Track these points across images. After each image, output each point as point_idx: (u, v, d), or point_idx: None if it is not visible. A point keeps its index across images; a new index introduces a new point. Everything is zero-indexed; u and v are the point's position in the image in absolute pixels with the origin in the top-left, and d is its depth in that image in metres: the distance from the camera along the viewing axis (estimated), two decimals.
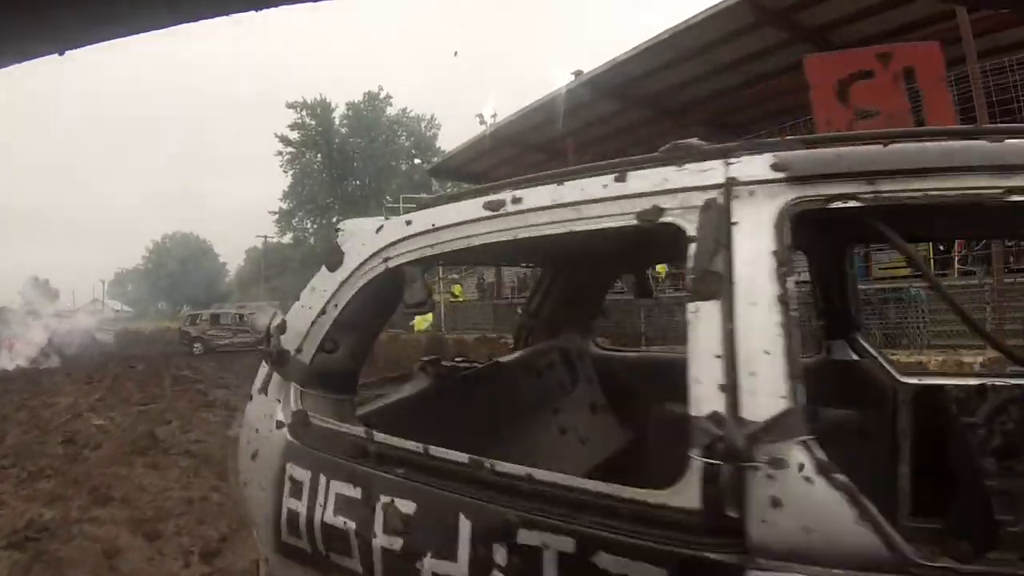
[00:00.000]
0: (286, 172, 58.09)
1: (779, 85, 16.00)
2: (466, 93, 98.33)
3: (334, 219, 53.87)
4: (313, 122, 56.78)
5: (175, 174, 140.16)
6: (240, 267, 75.31)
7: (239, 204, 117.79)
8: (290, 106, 56.29)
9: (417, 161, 56.03)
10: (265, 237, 62.37)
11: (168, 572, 5.14)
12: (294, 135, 56.91)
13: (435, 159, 33.09)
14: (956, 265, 13.19)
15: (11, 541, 5.74)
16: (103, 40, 1.84)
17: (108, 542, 5.70)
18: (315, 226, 58.53)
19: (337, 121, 58.05)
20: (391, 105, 58.58)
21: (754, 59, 16.05)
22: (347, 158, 56.88)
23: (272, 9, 1.84)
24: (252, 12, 1.82)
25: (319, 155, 57.40)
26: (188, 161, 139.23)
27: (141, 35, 1.86)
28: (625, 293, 18.45)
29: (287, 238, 61.65)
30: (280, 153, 57.39)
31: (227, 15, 1.87)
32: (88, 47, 1.86)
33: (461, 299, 25.88)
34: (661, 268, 19.22)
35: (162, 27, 1.83)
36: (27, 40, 1.73)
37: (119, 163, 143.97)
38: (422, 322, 19.27)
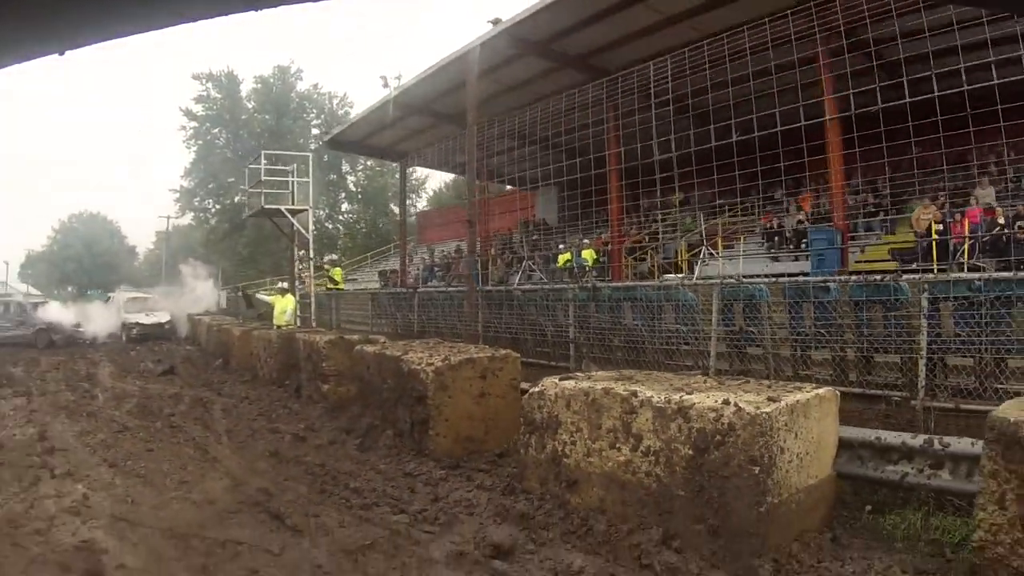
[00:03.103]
0: (189, 148, 54.20)
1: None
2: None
3: (235, 198, 50.93)
4: (219, 95, 53.17)
5: (84, 151, 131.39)
6: (149, 250, 71.57)
7: (149, 182, 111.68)
8: (195, 77, 52.67)
9: (323, 137, 53.29)
10: (168, 217, 58.87)
11: None
12: (198, 108, 53.18)
13: (335, 129, 30.12)
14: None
15: None
16: (103, 40, 1.90)
17: None
18: (217, 206, 55.00)
19: (244, 95, 54.49)
20: (301, 79, 55.63)
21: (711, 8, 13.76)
22: (253, 135, 52.78)
23: (272, 9, 1.92)
24: (252, 12, 1.89)
25: (223, 131, 53.77)
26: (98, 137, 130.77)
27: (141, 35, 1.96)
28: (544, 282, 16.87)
29: (188, 218, 58.16)
30: (183, 128, 53.63)
31: (227, 15, 1.96)
32: (88, 47, 1.90)
33: (341, 286, 23.25)
34: (588, 253, 18.01)
35: (162, 27, 1.91)
36: (27, 40, 1.78)
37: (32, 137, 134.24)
38: (281, 314, 15.51)
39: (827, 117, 12.65)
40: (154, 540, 5.23)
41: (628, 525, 4.43)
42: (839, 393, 4.84)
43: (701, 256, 15.47)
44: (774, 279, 8.60)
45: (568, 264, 18.33)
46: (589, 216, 19.00)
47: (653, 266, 17.56)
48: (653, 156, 13.39)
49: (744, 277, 9.18)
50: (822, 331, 7.25)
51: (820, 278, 8.45)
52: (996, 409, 3.63)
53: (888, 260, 13.76)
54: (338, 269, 24.08)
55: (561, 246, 19.70)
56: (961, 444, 4.39)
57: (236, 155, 52.33)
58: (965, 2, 9.69)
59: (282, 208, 19.33)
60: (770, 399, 4.08)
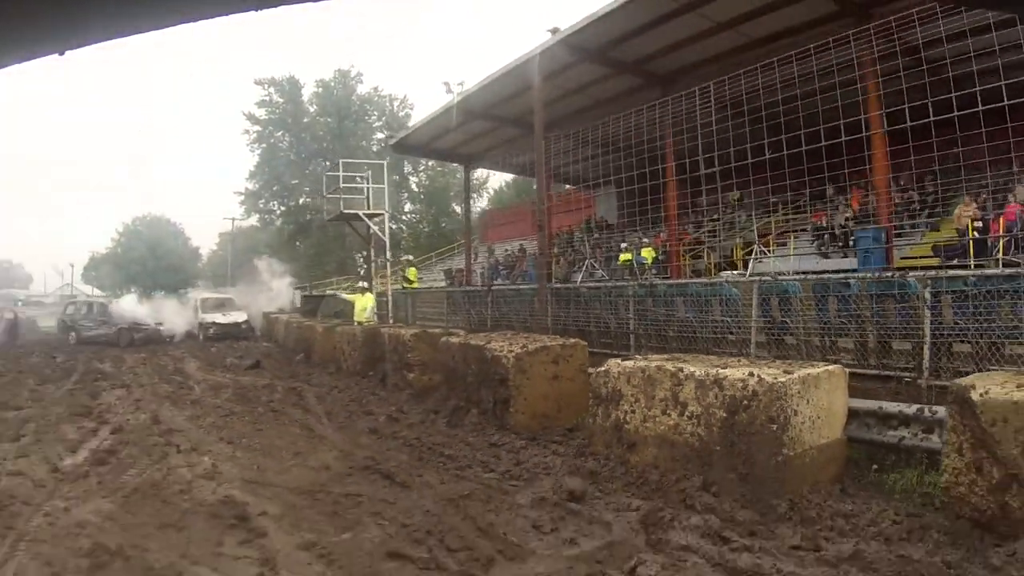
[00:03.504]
0: (253, 151, 55.35)
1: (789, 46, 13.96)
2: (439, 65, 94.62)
3: (300, 200, 52.47)
4: (281, 99, 54.41)
5: (149, 154, 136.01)
6: (212, 251, 73.00)
7: (212, 185, 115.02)
8: (258, 83, 54.19)
9: (389, 140, 53.90)
10: (233, 219, 60.71)
11: None
12: (261, 113, 54.43)
13: (400, 133, 30.98)
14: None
15: None
16: (103, 40, 1.89)
17: None
18: (282, 208, 56.16)
19: (306, 99, 55.62)
20: (362, 83, 56.43)
21: (758, 15, 14.25)
22: (316, 137, 54.47)
23: (272, 9, 1.92)
24: (252, 12, 1.89)
25: (286, 134, 54.91)
26: (162, 140, 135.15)
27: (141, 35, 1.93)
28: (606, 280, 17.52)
29: (254, 220, 59.28)
30: (247, 132, 54.84)
31: (227, 15, 1.96)
32: (88, 47, 1.89)
33: (415, 284, 23.97)
34: (647, 252, 18.31)
35: (162, 27, 1.90)
36: (27, 40, 1.76)
37: (93, 143, 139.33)
38: (361, 311, 16.70)
39: (867, 114, 12.61)
40: (285, 496, 6.23)
41: (676, 475, 5.55)
42: (850, 373, 5.90)
43: (753, 254, 15.90)
44: (803, 276, 9.48)
45: (628, 262, 18.86)
46: (648, 215, 19.21)
47: (709, 263, 18.05)
48: (712, 154, 13.72)
49: (778, 274, 10.05)
50: (845, 321, 8.21)
51: (841, 275, 9.29)
52: (958, 380, 4.64)
53: (931, 256, 14.05)
54: (413, 269, 25.08)
55: (623, 244, 20.19)
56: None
57: (299, 158, 54.05)
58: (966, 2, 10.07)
59: (360, 213, 20.33)
60: (786, 372, 5.18)
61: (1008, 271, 6.82)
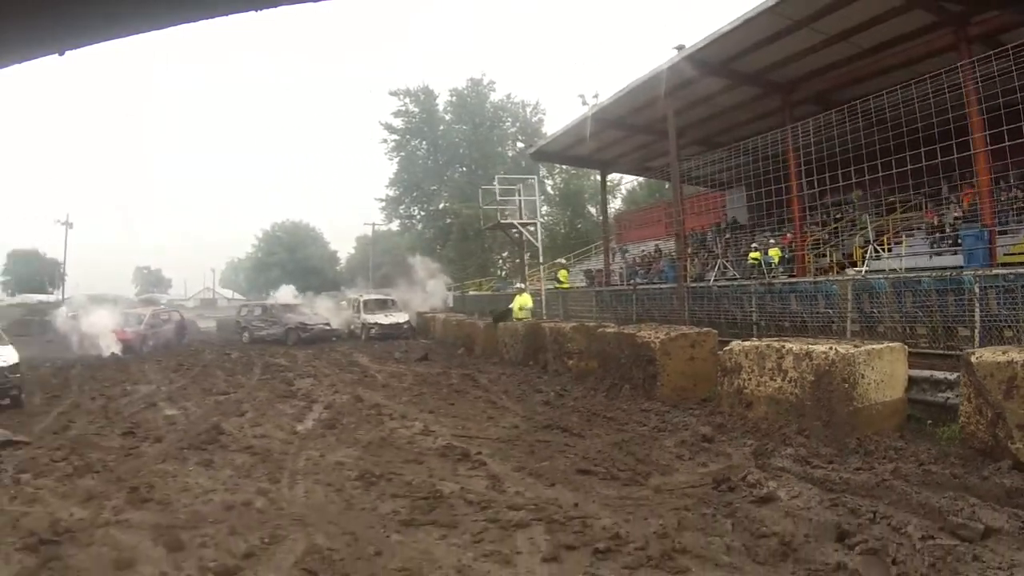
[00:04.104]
0: (391, 159, 58.58)
1: (892, 56, 15.51)
2: (571, 75, 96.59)
3: (440, 205, 55.39)
4: (416, 109, 57.10)
5: (286, 163, 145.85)
6: (350, 255, 76.07)
7: (349, 192, 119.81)
8: (393, 94, 57.09)
9: (522, 146, 55.07)
10: (373, 224, 63.27)
11: None
12: (398, 122, 57.36)
13: (539, 142, 32.96)
14: None
15: (26, 543, 5.59)
16: (103, 40, 1.87)
17: (125, 550, 5.47)
18: (422, 213, 58.94)
19: (441, 108, 58.13)
20: (494, 91, 58.47)
21: (866, 27, 15.35)
22: (452, 144, 57.10)
23: (272, 9, 1.92)
24: (252, 12, 1.89)
25: (423, 142, 57.66)
26: (298, 149, 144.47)
27: (141, 35, 1.88)
28: (737, 279, 18.75)
29: (394, 225, 62.19)
30: (385, 141, 57.91)
31: (227, 15, 1.92)
32: (88, 47, 1.89)
33: (566, 285, 25.31)
34: (774, 252, 19.11)
35: (162, 27, 1.88)
36: (27, 40, 1.76)
37: (229, 152, 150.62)
38: (520, 310, 19.04)
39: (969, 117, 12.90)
40: (490, 443, 8.21)
41: (779, 423, 7.83)
42: (922, 352, 7.96)
43: (867, 253, 16.86)
44: (885, 275, 11.30)
45: (757, 261, 19.93)
46: (775, 216, 19.89)
47: (831, 262, 18.87)
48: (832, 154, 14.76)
49: (868, 273, 11.77)
50: (919, 310, 10.10)
51: (913, 275, 11.10)
52: (967, 350, 6.70)
53: None
54: (564, 271, 26.48)
55: (753, 245, 21.09)
56: None
57: (437, 164, 56.44)
58: None
59: (515, 222, 22.58)
60: (855, 347, 7.37)
61: None
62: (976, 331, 9.14)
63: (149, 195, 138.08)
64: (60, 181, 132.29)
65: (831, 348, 7.46)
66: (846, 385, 7.16)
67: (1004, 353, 6.17)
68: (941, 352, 9.32)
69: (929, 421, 7.62)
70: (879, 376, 7.33)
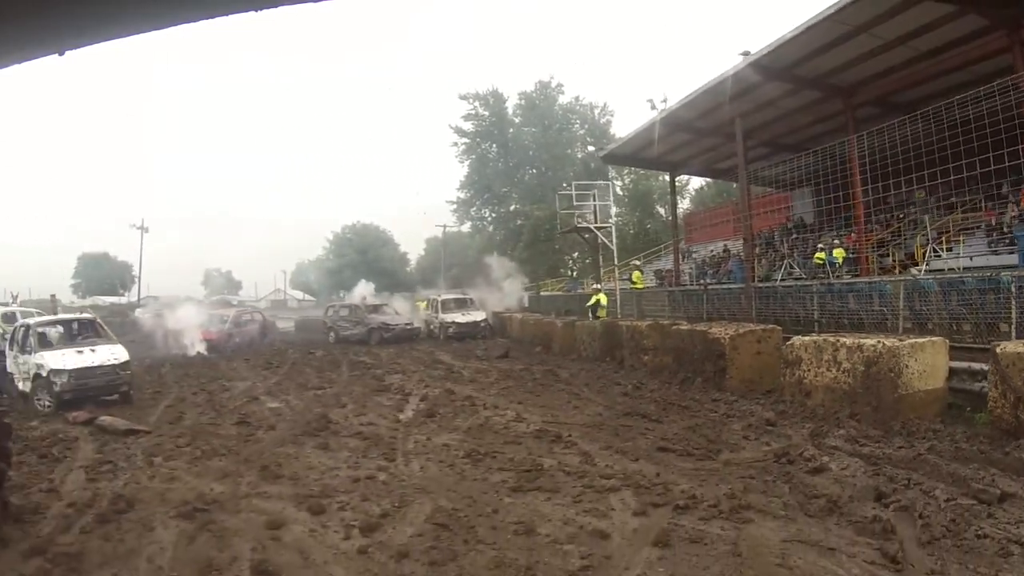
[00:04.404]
0: (462, 162, 59.01)
1: (949, 59, 15.88)
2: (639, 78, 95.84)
3: (511, 207, 56.11)
4: (486, 112, 57.45)
5: (355, 166, 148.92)
6: (421, 256, 76.24)
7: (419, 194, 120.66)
8: (463, 98, 57.54)
9: (591, 148, 55.40)
10: (444, 226, 63.67)
11: (328, 543, 5.48)
12: (468, 126, 57.84)
13: (610, 145, 33.53)
14: None
15: (180, 511, 6.21)
16: (103, 40, 1.87)
17: (273, 515, 6.13)
18: (493, 215, 59.53)
19: (510, 111, 58.34)
20: (563, 93, 58.48)
21: (922, 32, 15.84)
22: (522, 147, 57.34)
23: (272, 9, 1.91)
24: (252, 12, 1.88)
25: (494, 145, 57.96)
26: (369, 152, 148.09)
27: (141, 35, 1.86)
28: (802, 279, 19.46)
29: (466, 227, 62.78)
30: (455, 144, 58.42)
31: (227, 15, 1.93)
32: (88, 47, 1.88)
33: (640, 286, 25.55)
34: (839, 252, 19.55)
35: (162, 27, 1.88)
36: (27, 40, 1.76)
37: (297, 157, 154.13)
38: (600, 309, 20.18)
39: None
40: (578, 428, 9.36)
41: (833, 409, 9.01)
42: (966, 346, 9.04)
43: (926, 253, 17.04)
44: (933, 275, 12.13)
45: (822, 262, 19.85)
46: (839, 216, 20.38)
47: (894, 261, 18.96)
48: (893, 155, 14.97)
49: (928, 272, 12.50)
50: (963, 308, 11.02)
51: (957, 275, 11.91)
52: (994, 342, 7.74)
53: None
54: (638, 272, 26.64)
55: (819, 245, 20.84)
56: None
57: (507, 167, 56.72)
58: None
59: (591, 226, 23.48)
60: (900, 340, 8.49)
61: None
62: (1012, 326, 10.03)
63: (217, 198, 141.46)
64: (129, 184, 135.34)
65: (879, 342, 8.60)
66: (892, 374, 8.29)
67: None
68: (982, 346, 10.00)
69: (968, 408, 8.56)
70: (922, 367, 8.42)
